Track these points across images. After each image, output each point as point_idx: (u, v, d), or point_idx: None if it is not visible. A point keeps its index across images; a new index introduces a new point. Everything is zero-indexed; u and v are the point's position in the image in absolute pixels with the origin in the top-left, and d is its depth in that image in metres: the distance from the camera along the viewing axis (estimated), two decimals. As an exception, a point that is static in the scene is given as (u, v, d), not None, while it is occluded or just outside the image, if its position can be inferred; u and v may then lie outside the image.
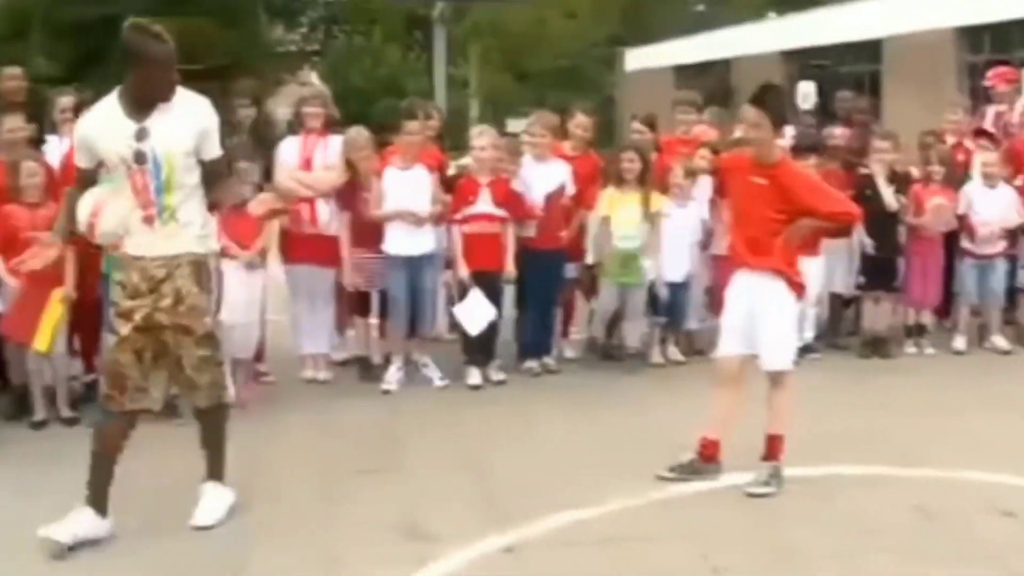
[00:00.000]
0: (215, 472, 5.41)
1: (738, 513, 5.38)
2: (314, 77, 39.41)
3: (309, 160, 7.97)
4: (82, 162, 5.09)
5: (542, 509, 5.34)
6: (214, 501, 5.34)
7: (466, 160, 8.57)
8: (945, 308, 9.05)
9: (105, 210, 4.95)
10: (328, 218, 7.94)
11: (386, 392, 7.74)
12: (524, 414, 7.22)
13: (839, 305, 9.02)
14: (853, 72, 26.01)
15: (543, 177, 8.15)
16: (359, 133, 8.02)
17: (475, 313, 7.80)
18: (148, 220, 4.96)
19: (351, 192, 7.87)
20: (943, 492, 5.62)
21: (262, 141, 8.08)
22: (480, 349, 8.01)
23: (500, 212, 7.92)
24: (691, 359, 8.44)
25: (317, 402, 7.57)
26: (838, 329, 9.00)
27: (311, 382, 8.03)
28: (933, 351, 8.74)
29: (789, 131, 9.19)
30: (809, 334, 8.38)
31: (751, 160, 5.73)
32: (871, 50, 25.47)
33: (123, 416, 5.05)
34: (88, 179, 5.11)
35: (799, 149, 8.10)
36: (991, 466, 5.89)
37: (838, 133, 9.42)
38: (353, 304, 8.27)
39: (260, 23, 39.18)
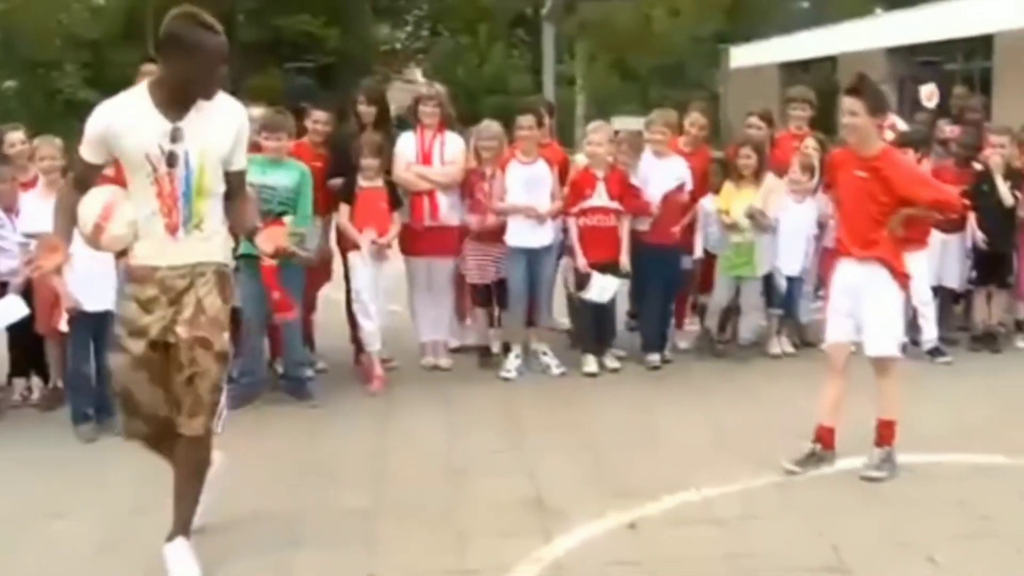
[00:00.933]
0: (187, 521, 4.72)
1: (854, 496, 5.53)
2: (419, 75, 40.11)
3: (427, 155, 8.23)
4: (92, 157, 4.54)
5: (661, 489, 5.56)
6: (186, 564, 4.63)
7: (579, 157, 8.82)
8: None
9: (116, 212, 4.48)
10: (448, 211, 8.22)
11: (505, 379, 8.01)
12: (640, 400, 7.45)
13: (949, 300, 9.06)
14: (962, 69, 25.70)
15: (663, 173, 8.32)
16: (491, 125, 8.32)
17: (603, 284, 8.04)
18: (171, 228, 4.49)
19: (474, 184, 8.19)
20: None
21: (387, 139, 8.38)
22: (595, 337, 8.27)
23: (615, 205, 8.15)
24: (802, 351, 8.59)
25: (438, 388, 7.86)
26: (948, 323, 9.04)
27: (432, 369, 8.33)
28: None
29: (901, 125, 9.31)
30: (933, 334, 8.47)
31: (854, 154, 5.87)
32: (982, 46, 25.17)
33: (152, 437, 4.71)
34: (91, 177, 4.62)
35: (904, 143, 8.19)
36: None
37: (948, 130, 9.47)
38: (474, 294, 8.55)
39: (366, 21, 39.90)
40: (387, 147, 8.04)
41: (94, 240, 4.54)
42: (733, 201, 8.28)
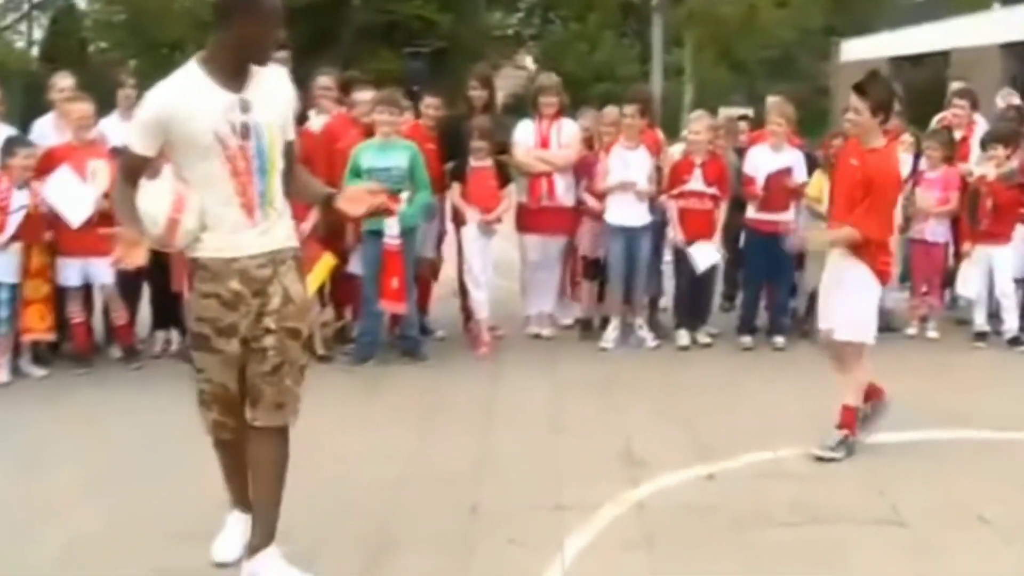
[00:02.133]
0: (274, 527, 4.44)
1: (920, 463, 6.00)
2: (529, 61, 40.66)
3: (546, 140, 8.90)
4: (145, 148, 4.16)
5: (741, 448, 6.12)
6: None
7: (677, 147, 9.35)
8: None
9: (187, 203, 4.14)
10: (564, 191, 8.87)
11: (603, 350, 8.61)
12: (729, 373, 8.03)
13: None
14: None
15: (776, 163, 8.80)
16: (612, 110, 8.98)
17: (702, 253, 8.63)
18: (248, 210, 4.20)
19: (590, 166, 8.86)
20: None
21: (495, 121, 9.04)
22: (690, 313, 8.89)
23: (711, 190, 8.69)
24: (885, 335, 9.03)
25: (542, 355, 8.54)
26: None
27: (536, 337, 9.00)
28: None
29: (983, 125, 9.68)
30: (1014, 324, 8.87)
31: (856, 143, 6.11)
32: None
33: (240, 435, 4.44)
34: (141, 171, 4.25)
35: (993, 140, 8.63)
36: None
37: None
38: (585, 268, 9.18)
39: (478, 7, 40.48)
40: (495, 129, 8.73)
41: (168, 237, 4.15)
42: (825, 190, 8.73)
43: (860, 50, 36.28)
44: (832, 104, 30.19)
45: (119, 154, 7.75)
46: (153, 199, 4.14)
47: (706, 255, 8.67)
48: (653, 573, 4.65)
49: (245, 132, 4.15)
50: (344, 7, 32.48)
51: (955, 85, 10.75)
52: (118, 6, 34.60)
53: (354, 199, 4.48)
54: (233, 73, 4.16)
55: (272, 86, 4.28)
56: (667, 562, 4.75)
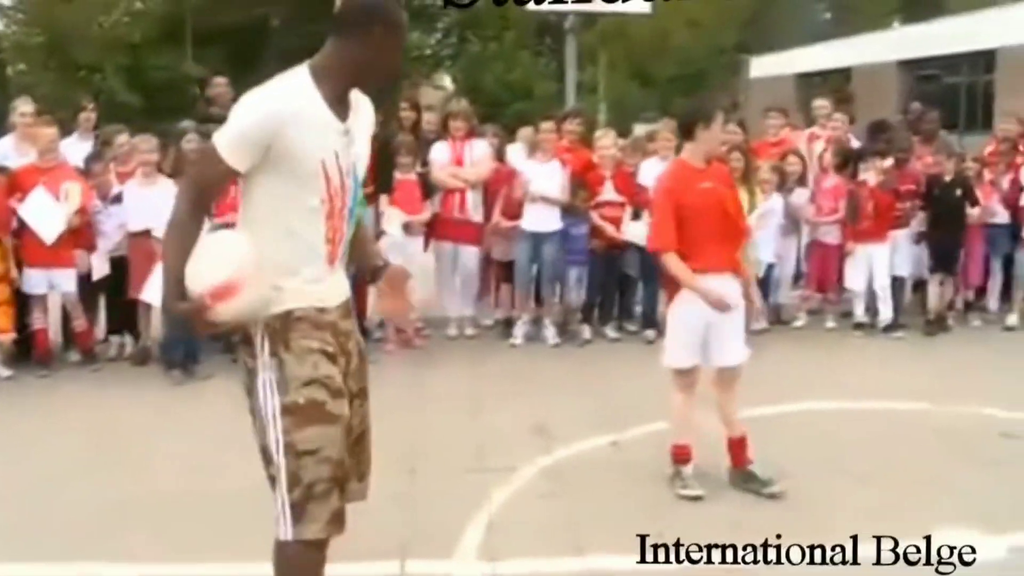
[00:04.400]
0: None
1: (790, 428, 6.96)
2: (447, 81, 41.39)
3: (459, 159, 9.80)
4: (238, 161, 3.40)
5: (641, 420, 6.99)
6: None
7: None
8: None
9: (243, 291, 3.38)
10: (473, 206, 9.75)
11: (512, 346, 9.55)
12: (629, 362, 8.91)
13: (901, 288, 10.36)
14: (967, 82, 26.93)
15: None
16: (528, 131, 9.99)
17: (635, 228, 9.42)
18: (331, 258, 3.58)
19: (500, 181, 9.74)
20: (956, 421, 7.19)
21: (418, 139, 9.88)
22: (591, 311, 9.91)
23: (621, 199, 9.65)
24: (778, 328, 10.06)
25: (463, 351, 9.44)
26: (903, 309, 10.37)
27: (458, 338, 9.88)
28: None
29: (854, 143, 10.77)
30: (889, 315, 9.96)
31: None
32: (985, 60, 26.43)
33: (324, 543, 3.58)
34: (222, 189, 3.75)
35: (867, 151, 9.74)
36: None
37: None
38: (499, 272, 10.07)
39: (399, 28, 41.13)
40: (419, 146, 9.63)
41: (207, 306, 3.38)
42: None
43: (768, 67, 37.61)
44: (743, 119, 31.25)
45: (84, 174, 8.61)
46: (207, 262, 3.40)
47: (636, 230, 9.40)
48: (565, 516, 5.51)
49: (348, 168, 3.54)
50: (265, 29, 33.01)
51: (817, 102, 11.68)
52: (35, 28, 34.73)
53: (395, 300, 3.90)
54: (343, 95, 3.52)
55: (365, 119, 3.67)
56: (577, 507, 5.62)
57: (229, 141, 3.39)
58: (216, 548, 5.09)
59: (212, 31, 32.19)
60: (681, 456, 5.93)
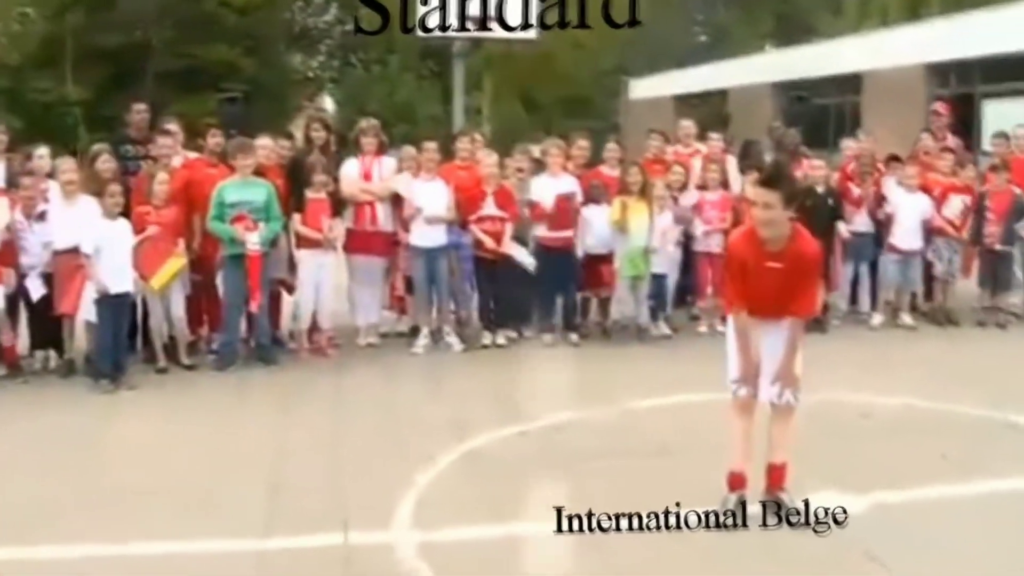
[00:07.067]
0: None
1: (686, 415, 7.66)
2: (328, 103, 41.65)
3: (368, 174, 10.36)
4: None
5: (547, 412, 7.68)
6: None
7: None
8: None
9: None
10: (384, 218, 10.31)
11: (414, 355, 10.08)
12: (530, 363, 9.63)
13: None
14: (836, 103, 28.21)
15: (559, 188, 10.49)
16: (408, 151, 10.53)
17: (521, 253, 10.23)
18: None
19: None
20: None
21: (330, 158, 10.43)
22: (490, 318, 10.54)
23: (501, 213, 10.31)
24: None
25: (373, 358, 9.99)
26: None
27: (367, 347, 10.42)
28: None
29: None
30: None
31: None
32: (852, 83, 27.76)
33: None
34: None
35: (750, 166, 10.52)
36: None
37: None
38: (407, 284, 10.62)
39: (280, 50, 41.18)
40: (329, 166, 10.15)
41: None
42: (628, 212, 10.21)
43: (647, 88, 38.76)
44: (622, 139, 32.15)
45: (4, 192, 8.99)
46: None
47: (524, 254, 10.20)
48: (485, 493, 6.14)
49: None
50: (147, 51, 32.82)
51: (682, 123, 12.43)
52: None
53: None
54: None
55: None
56: (494, 486, 6.26)
57: None
58: (150, 532, 5.62)
59: (92, 53, 31.97)
60: (728, 482, 5.87)
